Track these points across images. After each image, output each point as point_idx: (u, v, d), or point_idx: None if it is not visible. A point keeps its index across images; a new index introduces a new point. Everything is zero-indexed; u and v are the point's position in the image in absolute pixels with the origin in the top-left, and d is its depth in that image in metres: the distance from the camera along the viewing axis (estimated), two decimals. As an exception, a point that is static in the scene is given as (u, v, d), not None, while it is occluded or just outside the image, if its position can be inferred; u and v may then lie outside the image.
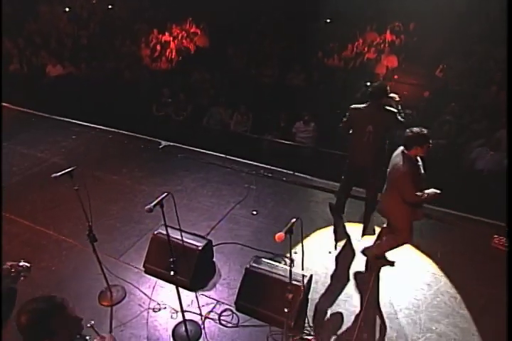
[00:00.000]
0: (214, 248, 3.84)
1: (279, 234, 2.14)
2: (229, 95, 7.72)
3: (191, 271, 3.43)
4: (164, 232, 3.57)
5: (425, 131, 3.18)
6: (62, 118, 6.54)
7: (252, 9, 10.55)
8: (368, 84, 8.08)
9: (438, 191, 3.12)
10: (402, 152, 3.22)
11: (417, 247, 3.92)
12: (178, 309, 2.89)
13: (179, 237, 3.56)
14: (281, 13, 10.38)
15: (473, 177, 5.96)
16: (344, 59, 9.31)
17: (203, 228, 4.15)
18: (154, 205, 2.36)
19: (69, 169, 2.65)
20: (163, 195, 2.43)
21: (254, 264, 3.32)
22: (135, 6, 11.77)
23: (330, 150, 5.52)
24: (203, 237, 3.71)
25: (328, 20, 10.23)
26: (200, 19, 10.99)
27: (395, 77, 9.31)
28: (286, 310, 2.52)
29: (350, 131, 3.91)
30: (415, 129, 3.17)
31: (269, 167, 5.20)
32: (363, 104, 3.83)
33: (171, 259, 2.90)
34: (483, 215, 4.49)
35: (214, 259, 3.75)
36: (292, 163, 5.39)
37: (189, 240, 3.54)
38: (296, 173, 5.09)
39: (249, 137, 6.15)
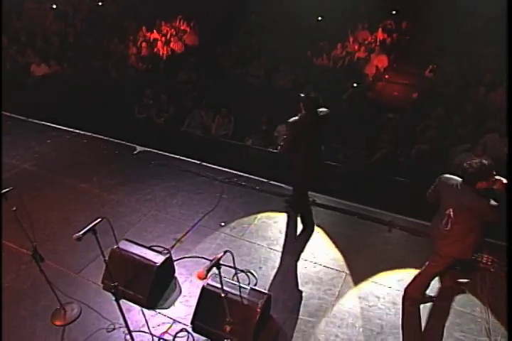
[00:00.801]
0: (177, 262, 3.74)
1: (199, 271, 2.02)
2: (212, 97, 7.58)
3: (148, 288, 3.33)
4: (124, 247, 3.52)
5: (486, 162, 2.75)
6: (39, 122, 6.40)
7: (242, 7, 10.32)
8: (355, 85, 7.95)
9: (504, 180, 2.78)
10: (471, 188, 2.81)
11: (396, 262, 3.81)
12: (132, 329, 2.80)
13: (139, 252, 3.50)
14: (270, 11, 10.15)
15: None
16: (333, 58, 9.12)
17: (168, 240, 4.05)
18: (84, 233, 2.23)
19: (4, 190, 2.54)
20: (96, 221, 2.30)
21: (211, 282, 3.21)
22: (125, 2, 11.57)
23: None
24: (162, 252, 3.62)
25: (320, 18, 10.00)
26: (190, 17, 10.81)
27: (386, 76, 9.13)
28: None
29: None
30: (475, 163, 2.76)
31: (243, 174, 5.07)
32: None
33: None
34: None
35: (176, 274, 3.64)
36: (268, 170, 5.26)
37: (147, 256, 3.45)
38: (271, 181, 4.95)
39: (227, 142, 6.01)
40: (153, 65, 9.35)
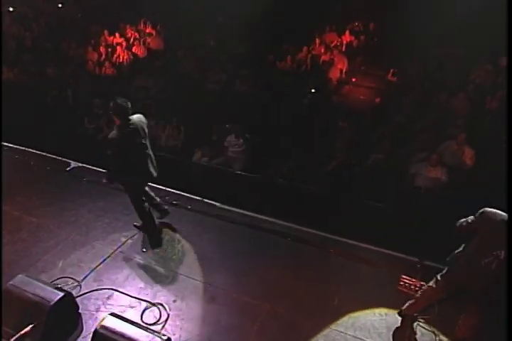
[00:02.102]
0: (85, 296, 3.46)
1: None
2: (164, 105, 7.27)
3: (40, 331, 3.04)
4: (18, 284, 3.22)
5: None
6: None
7: (208, 10, 9.98)
8: (313, 90, 7.69)
9: None
10: None
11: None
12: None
13: (33, 289, 3.21)
14: (236, 13, 9.81)
15: (411, 197, 5.57)
16: (297, 62, 8.84)
17: (82, 270, 3.75)
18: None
19: None
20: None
21: (107, 324, 2.93)
22: (88, 4, 11.18)
23: (251, 174, 5.09)
24: (64, 286, 3.33)
25: (283, 21, 9.70)
26: (156, 19, 10.47)
27: (353, 79, 8.87)
28: None
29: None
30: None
31: (178, 192, 4.78)
32: None
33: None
34: (401, 248, 4.09)
35: (80, 310, 3.35)
36: (207, 187, 4.98)
37: (42, 293, 3.15)
38: (206, 200, 4.67)
39: (166, 157, 5.72)
40: (112, 71, 9.01)
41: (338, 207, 4.78)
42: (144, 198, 4.04)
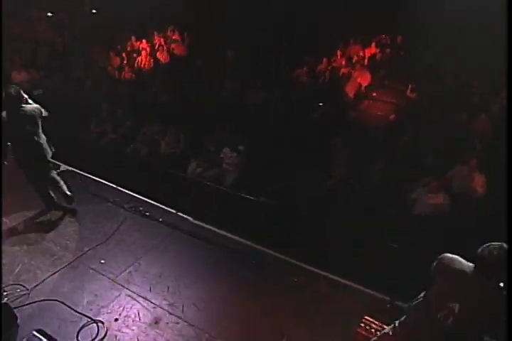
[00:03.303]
0: (31, 305, 3.39)
1: None
2: (170, 112, 7.26)
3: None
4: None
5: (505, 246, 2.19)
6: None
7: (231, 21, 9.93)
8: (321, 104, 7.40)
9: None
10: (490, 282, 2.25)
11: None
12: None
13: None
14: (257, 23, 9.69)
15: (408, 224, 5.11)
16: (315, 73, 8.58)
17: (36, 278, 3.70)
18: None
19: None
20: None
21: None
22: (120, 11, 11.51)
23: (239, 193, 4.86)
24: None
25: (305, 32, 9.45)
26: (184, 27, 10.58)
27: (373, 94, 8.44)
28: None
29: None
30: (494, 249, 2.19)
31: (153, 203, 4.66)
32: None
33: None
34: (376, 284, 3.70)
35: (19, 321, 3.26)
36: (187, 200, 4.82)
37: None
38: (179, 213, 4.51)
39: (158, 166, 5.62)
40: (132, 75, 9.17)
41: (320, 234, 4.42)
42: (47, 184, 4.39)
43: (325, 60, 8.77)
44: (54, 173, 4.42)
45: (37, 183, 4.34)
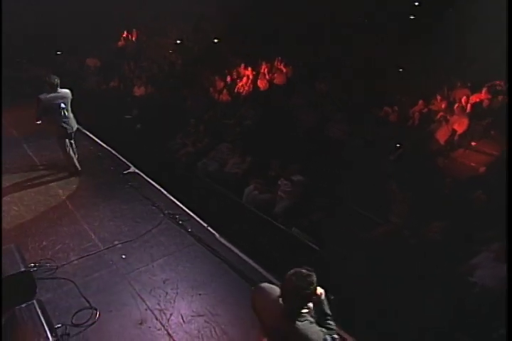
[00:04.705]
0: (51, 280, 3.83)
1: None
2: (246, 135, 7.58)
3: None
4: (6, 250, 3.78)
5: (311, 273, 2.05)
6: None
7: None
8: (398, 145, 6.93)
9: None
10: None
11: None
12: None
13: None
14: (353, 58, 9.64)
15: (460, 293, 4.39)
16: (406, 114, 8.13)
17: (67, 258, 4.17)
18: None
19: None
20: None
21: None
22: (237, 41, 12.62)
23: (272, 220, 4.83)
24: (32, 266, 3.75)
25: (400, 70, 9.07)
26: (289, 59, 11.09)
27: (473, 143, 7.62)
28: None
29: None
30: (293, 277, 2.01)
31: (190, 213, 4.89)
32: None
33: None
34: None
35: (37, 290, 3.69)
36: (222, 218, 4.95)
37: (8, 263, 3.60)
38: (209, 228, 4.64)
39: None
40: (229, 98, 9.88)
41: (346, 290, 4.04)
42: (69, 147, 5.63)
43: (421, 101, 8.25)
44: (73, 143, 5.76)
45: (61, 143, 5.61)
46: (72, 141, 5.77)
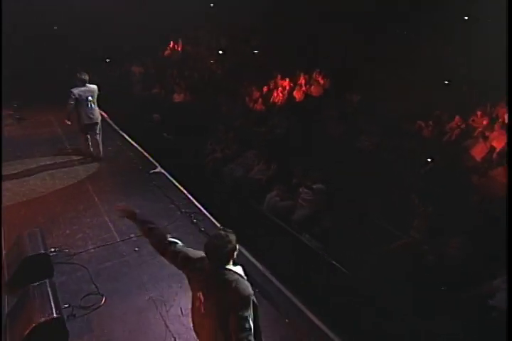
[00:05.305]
0: (68, 264, 4.09)
1: None
2: (275, 143, 7.67)
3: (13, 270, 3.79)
4: (29, 233, 4.10)
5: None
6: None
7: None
8: (429, 160, 6.72)
9: None
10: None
11: None
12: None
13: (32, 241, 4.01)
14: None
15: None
16: (442, 129, 7.89)
17: (85, 246, 4.42)
18: None
19: None
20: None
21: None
22: (277, 53, 12.87)
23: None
24: (51, 251, 4.02)
25: (447, 82, 8.81)
26: (329, 72, 11.15)
27: (516, 161, 7.23)
28: None
29: None
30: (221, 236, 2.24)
31: (207, 214, 5.03)
32: None
33: None
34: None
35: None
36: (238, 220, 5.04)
37: (30, 246, 3.90)
38: (221, 227, 4.72)
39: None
40: (263, 107, 10.06)
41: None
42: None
43: (458, 118, 7.98)
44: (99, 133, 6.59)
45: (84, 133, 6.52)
46: (98, 131, 6.59)
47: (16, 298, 3.45)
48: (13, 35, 11.55)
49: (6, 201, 5.07)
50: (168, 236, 2.55)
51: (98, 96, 6.36)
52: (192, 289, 2.39)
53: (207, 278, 2.26)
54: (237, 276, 2.22)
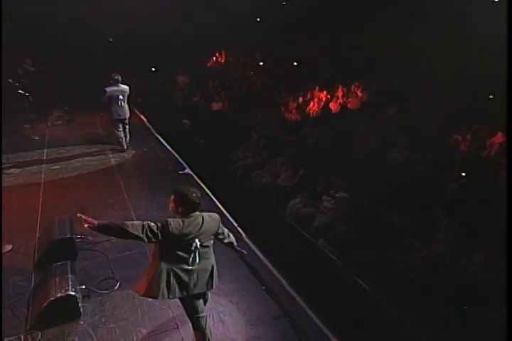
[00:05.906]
0: (91, 251, 4.39)
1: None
2: (303, 151, 7.74)
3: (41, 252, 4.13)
4: (59, 219, 4.46)
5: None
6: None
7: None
8: (464, 174, 6.49)
9: None
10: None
11: None
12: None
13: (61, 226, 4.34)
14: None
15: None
16: (481, 145, 7.60)
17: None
18: None
19: None
20: None
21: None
22: (316, 65, 13.00)
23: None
24: (76, 236, 4.34)
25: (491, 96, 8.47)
26: (369, 84, 11.10)
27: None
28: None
29: None
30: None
31: (224, 211, 5.20)
32: None
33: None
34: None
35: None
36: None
37: (59, 230, 4.23)
38: (238, 228, 4.86)
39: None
40: (298, 117, 10.18)
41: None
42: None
43: (500, 134, 7.65)
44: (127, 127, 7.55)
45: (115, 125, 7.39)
46: (127, 126, 7.50)
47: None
48: (72, 46, 12.58)
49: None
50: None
51: (128, 95, 7.24)
52: None
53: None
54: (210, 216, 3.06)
